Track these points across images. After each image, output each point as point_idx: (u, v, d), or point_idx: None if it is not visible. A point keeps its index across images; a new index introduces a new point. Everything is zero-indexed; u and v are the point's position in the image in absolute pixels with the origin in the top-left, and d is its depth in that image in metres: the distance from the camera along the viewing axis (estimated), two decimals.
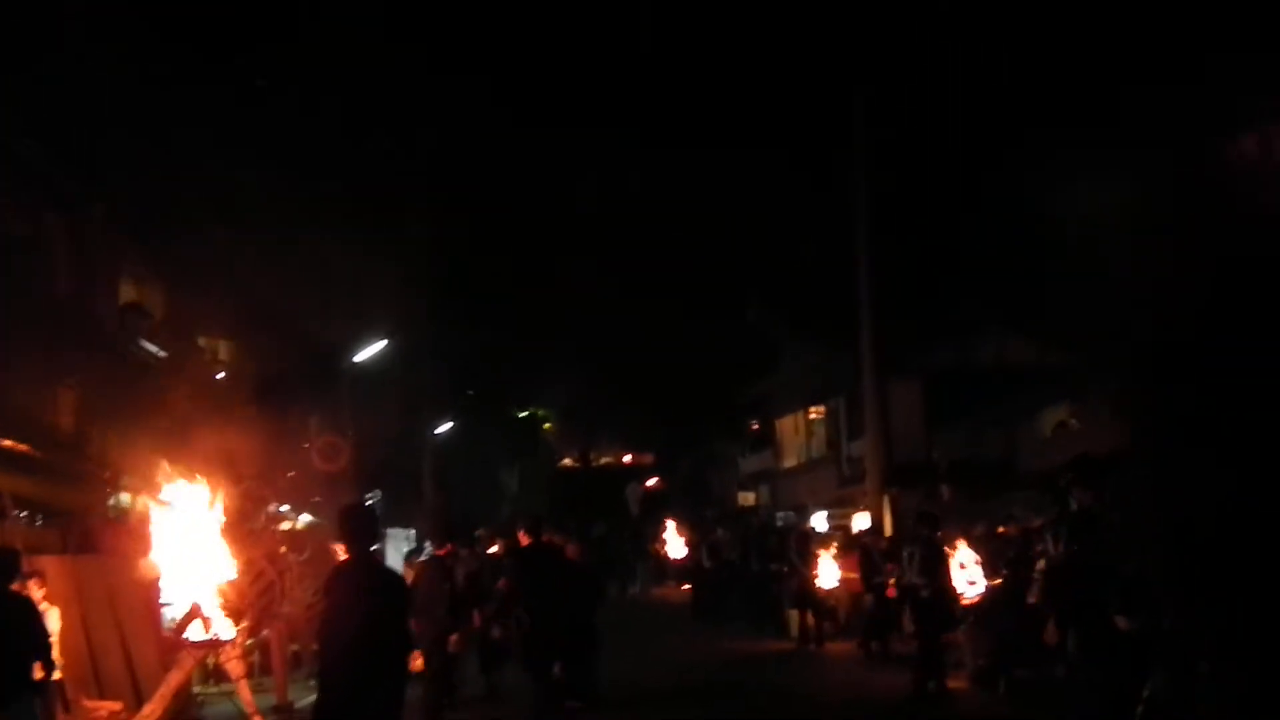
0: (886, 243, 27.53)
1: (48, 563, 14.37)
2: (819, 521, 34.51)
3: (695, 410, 60.32)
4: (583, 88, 59.35)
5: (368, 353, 33.08)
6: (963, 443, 30.11)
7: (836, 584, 22.90)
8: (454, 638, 15.20)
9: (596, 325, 60.44)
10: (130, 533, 17.38)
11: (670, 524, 42.18)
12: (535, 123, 61.91)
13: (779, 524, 36.64)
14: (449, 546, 16.24)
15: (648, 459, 79.41)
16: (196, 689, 14.92)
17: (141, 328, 21.91)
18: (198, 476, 13.82)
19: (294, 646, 18.59)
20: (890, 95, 26.36)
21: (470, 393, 59.29)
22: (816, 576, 22.50)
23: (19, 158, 17.69)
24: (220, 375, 25.49)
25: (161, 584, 14.64)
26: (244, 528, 15.28)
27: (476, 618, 16.73)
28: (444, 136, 49.08)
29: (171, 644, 14.17)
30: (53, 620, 12.45)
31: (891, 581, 18.98)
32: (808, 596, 22.29)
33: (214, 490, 13.98)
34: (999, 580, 16.35)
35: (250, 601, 14.37)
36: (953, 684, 15.55)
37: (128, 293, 22.30)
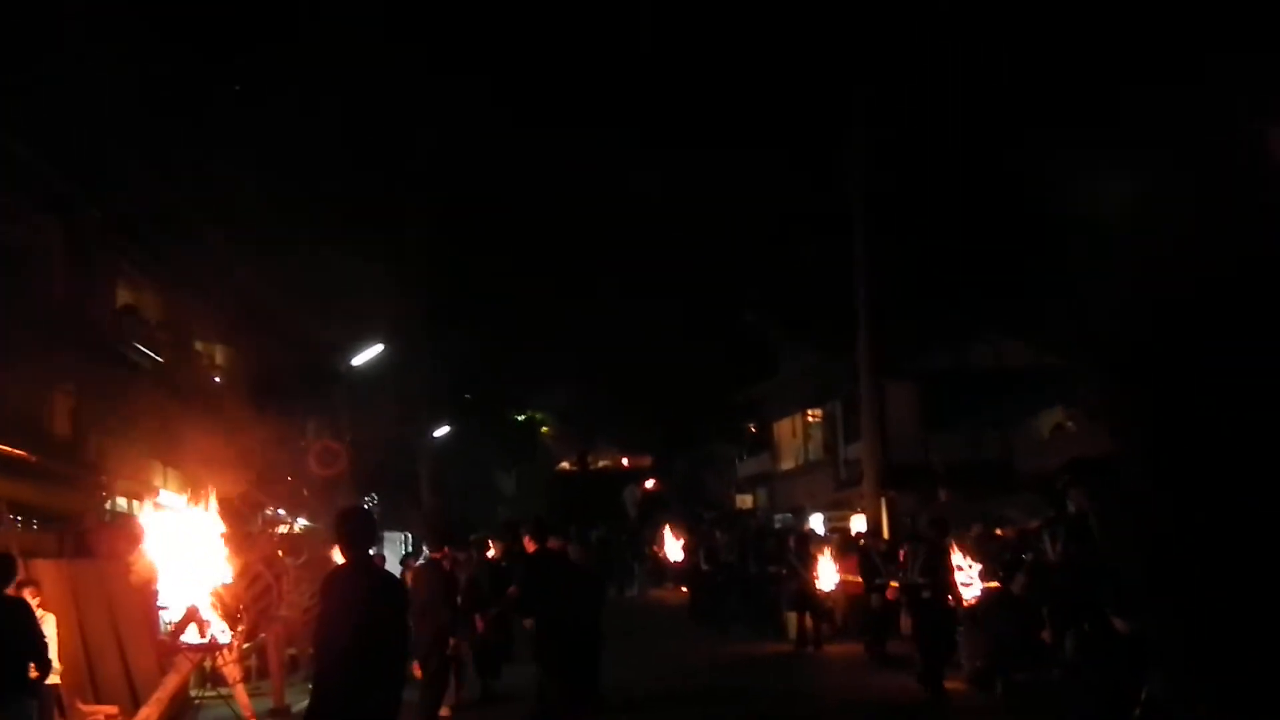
0: (884, 245, 27.55)
1: (44, 567, 14.36)
2: (816, 524, 34.55)
3: (693, 413, 60.39)
4: (578, 88, 59.32)
5: (364, 357, 33.07)
6: (960, 445, 30.17)
7: (835, 586, 22.94)
8: (453, 641, 15.21)
9: (594, 328, 60.46)
10: (126, 537, 17.36)
11: (667, 527, 42.20)
12: (532, 123, 61.87)
13: (777, 526, 36.68)
14: (445, 550, 16.24)
15: (645, 462, 79.50)
16: (193, 693, 14.90)
17: (138, 332, 21.88)
18: (194, 480, 13.81)
19: (291, 650, 18.57)
20: (888, 97, 26.37)
21: (467, 396, 59.25)
22: (816, 578, 22.52)
23: (15, 161, 17.66)
24: (217, 380, 25.47)
25: (158, 588, 14.62)
26: (240, 531, 15.24)
27: (479, 622, 16.74)
28: (441, 140, 49.05)
29: (168, 648, 14.15)
30: (49, 627, 12.44)
31: (893, 584, 19.00)
32: (807, 598, 22.29)
33: (210, 494, 13.97)
34: (995, 583, 16.35)
35: (247, 605, 14.32)
36: (950, 685, 15.55)
37: (124, 297, 22.26)
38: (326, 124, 32.42)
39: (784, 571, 23.72)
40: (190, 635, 13.59)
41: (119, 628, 14.96)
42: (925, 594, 15.89)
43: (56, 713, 12.77)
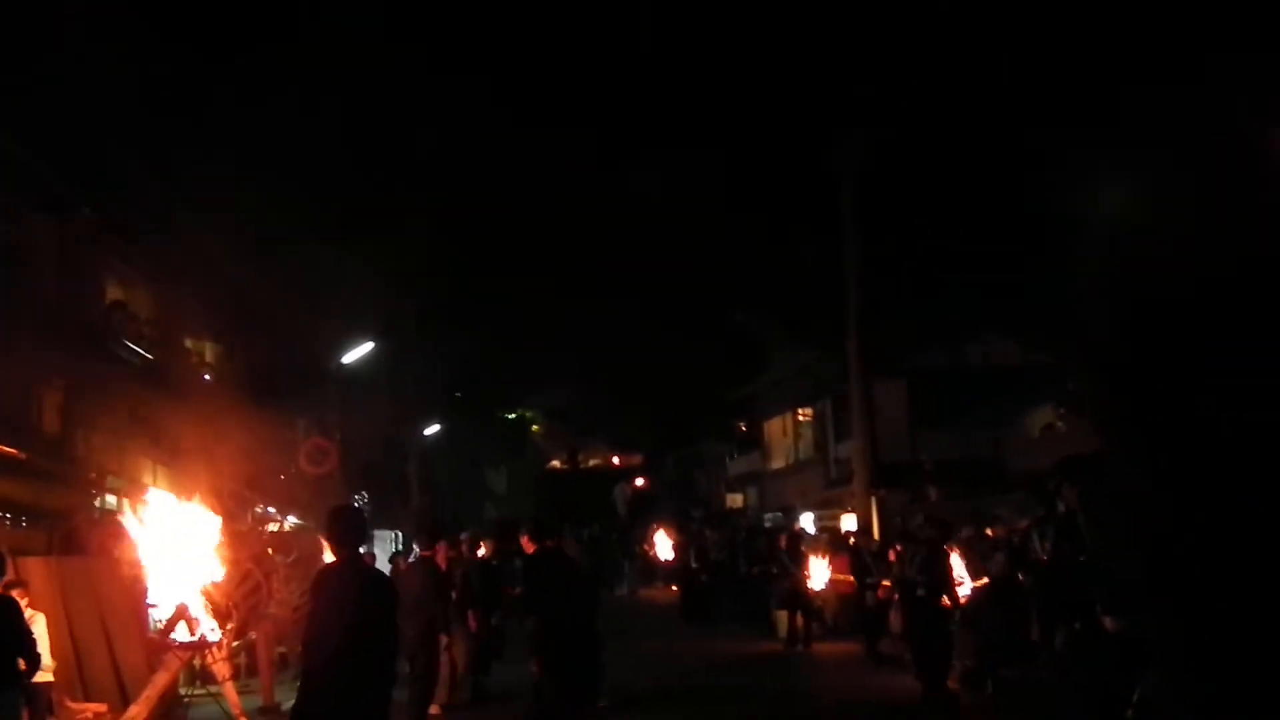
0: (874, 244, 27.57)
1: (33, 565, 14.32)
2: (806, 522, 34.58)
3: (683, 412, 60.41)
4: (573, 87, 59.31)
5: (355, 355, 33.02)
6: (950, 444, 30.20)
7: (825, 585, 22.96)
8: (447, 639, 15.19)
9: (585, 327, 60.47)
10: (116, 534, 17.33)
11: (658, 526, 42.24)
12: (526, 122, 61.81)
13: (767, 525, 36.70)
14: (442, 547, 16.24)
15: (636, 460, 79.51)
16: (182, 690, 14.85)
17: (127, 329, 21.83)
18: (184, 478, 13.79)
19: (280, 648, 18.54)
20: (881, 96, 26.37)
21: (458, 395, 59.19)
22: (808, 577, 22.52)
23: (6, 158, 17.62)
24: (206, 377, 25.43)
25: (147, 585, 14.59)
26: (230, 529, 15.22)
27: (472, 620, 16.72)
28: (435, 138, 49.03)
29: (157, 645, 14.13)
30: (39, 626, 12.41)
31: (886, 583, 19.00)
32: (798, 597, 22.28)
33: (200, 491, 13.95)
34: (985, 581, 16.37)
35: (237, 603, 14.31)
36: None
37: (114, 294, 22.23)
38: (321, 122, 32.40)
39: (774, 570, 23.71)
40: (180, 633, 13.57)
41: (108, 625, 14.92)
42: (920, 591, 15.87)
43: (45, 710, 12.73)
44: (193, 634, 13.58)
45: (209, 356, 26.69)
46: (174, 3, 24.49)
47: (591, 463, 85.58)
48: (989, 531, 18.78)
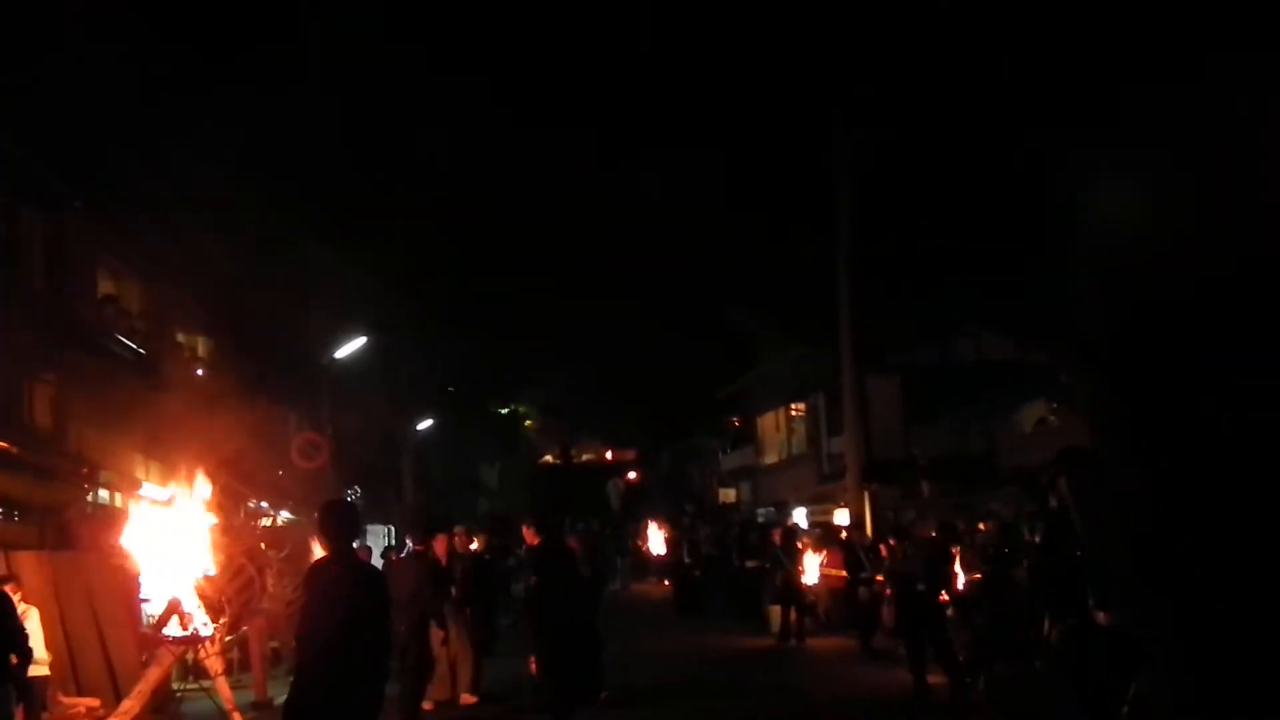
0: (867, 240, 27.57)
1: (25, 559, 14.31)
2: (799, 518, 34.61)
3: (676, 407, 60.44)
4: (569, 86, 59.21)
5: (348, 349, 32.97)
6: (943, 439, 30.22)
7: (817, 580, 22.98)
8: (443, 634, 15.18)
9: (578, 322, 60.48)
10: (108, 529, 17.31)
11: (650, 521, 42.30)
12: (521, 120, 61.77)
13: (760, 520, 36.74)
14: (442, 540, 16.29)
15: (629, 455, 79.59)
16: (175, 685, 14.86)
17: (119, 323, 21.80)
18: (176, 472, 13.77)
19: (273, 643, 18.54)
20: (874, 94, 26.35)
21: (451, 389, 59.14)
22: (803, 572, 22.54)
23: None
24: (199, 371, 25.38)
25: (140, 580, 14.59)
26: (223, 524, 15.20)
27: (466, 614, 16.72)
28: (432, 136, 48.96)
29: (150, 640, 14.12)
30: (32, 621, 12.41)
31: (879, 578, 19.01)
32: (792, 592, 22.28)
33: (192, 486, 13.94)
34: (978, 576, 16.37)
35: (229, 598, 14.29)
36: (932, 680, 15.54)
37: (105, 289, 22.20)
38: (316, 119, 32.33)
39: (767, 565, 23.73)
40: (172, 628, 13.56)
41: (100, 620, 14.92)
42: (920, 586, 15.80)
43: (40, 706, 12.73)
44: (185, 628, 13.57)
45: (201, 351, 26.65)
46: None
47: (584, 458, 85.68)
48: (981, 526, 18.82)
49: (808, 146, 29.58)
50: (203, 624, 13.68)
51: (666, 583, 35.60)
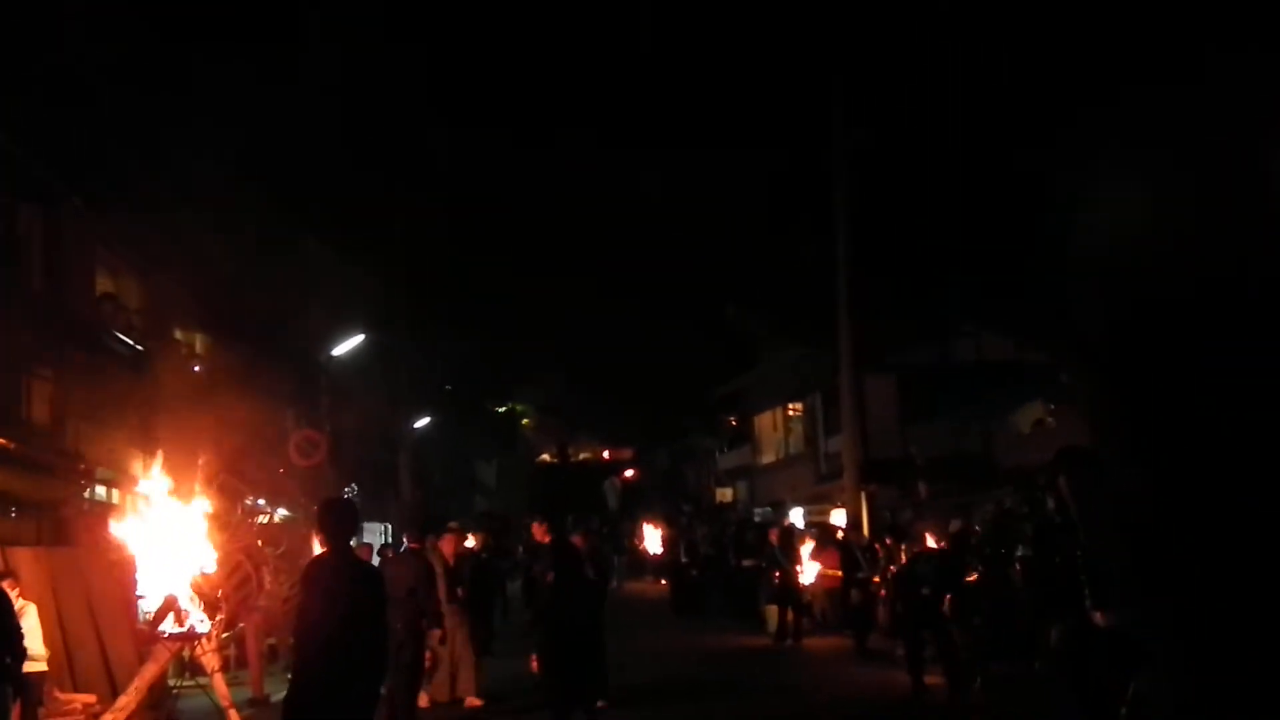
0: (865, 240, 27.58)
1: (22, 555, 14.31)
2: (796, 517, 34.62)
3: (674, 406, 60.46)
4: (568, 86, 59.27)
5: (346, 347, 32.99)
6: (940, 439, 30.19)
7: (814, 580, 22.99)
8: (439, 632, 15.16)
9: (577, 321, 60.52)
10: (106, 525, 17.30)
11: (647, 521, 42.35)
12: (517, 121, 61.79)
13: (757, 520, 36.74)
14: (449, 538, 16.32)
15: (626, 454, 79.62)
16: (171, 682, 14.83)
17: (117, 319, 21.80)
18: (174, 469, 13.77)
19: (270, 640, 18.55)
20: (873, 92, 26.38)
21: (449, 388, 59.17)
22: (799, 572, 22.55)
23: None
24: (196, 368, 25.37)
25: (137, 577, 14.58)
26: (220, 521, 15.19)
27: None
28: (427, 134, 49.00)
29: (146, 637, 14.11)
30: (30, 617, 12.40)
31: (876, 579, 19.00)
32: (789, 592, 22.28)
33: (190, 483, 13.93)
34: (974, 576, 16.35)
35: (226, 595, 14.28)
36: (929, 680, 15.55)
37: (103, 286, 22.19)
38: (316, 116, 32.35)
39: (763, 565, 23.74)
40: (169, 624, 13.55)
41: (97, 616, 14.92)
42: (925, 590, 15.73)
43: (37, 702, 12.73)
44: (182, 625, 13.56)
45: (199, 348, 26.64)
46: None
47: (582, 456, 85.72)
48: (977, 528, 18.83)
49: (807, 146, 29.59)
50: (199, 621, 13.67)
51: (663, 582, 35.64)
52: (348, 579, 7.99)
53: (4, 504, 16.84)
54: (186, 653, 14.50)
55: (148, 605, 14.74)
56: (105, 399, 19.56)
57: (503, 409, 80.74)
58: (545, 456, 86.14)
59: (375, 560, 18.23)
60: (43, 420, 18.88)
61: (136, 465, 20.65)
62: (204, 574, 13.95)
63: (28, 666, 11.51)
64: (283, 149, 28.26)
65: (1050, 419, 27.47)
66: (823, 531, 26.31)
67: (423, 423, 48.71)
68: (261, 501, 26.05)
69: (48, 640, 13.41)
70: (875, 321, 28.21)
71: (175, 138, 22.72)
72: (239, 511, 22.03)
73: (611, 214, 50.02)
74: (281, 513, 27.42)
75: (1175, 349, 4.37)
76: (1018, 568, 16.11)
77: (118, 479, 19.93)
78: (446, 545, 16.37)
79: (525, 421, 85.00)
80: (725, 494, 52.25)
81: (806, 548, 23.39)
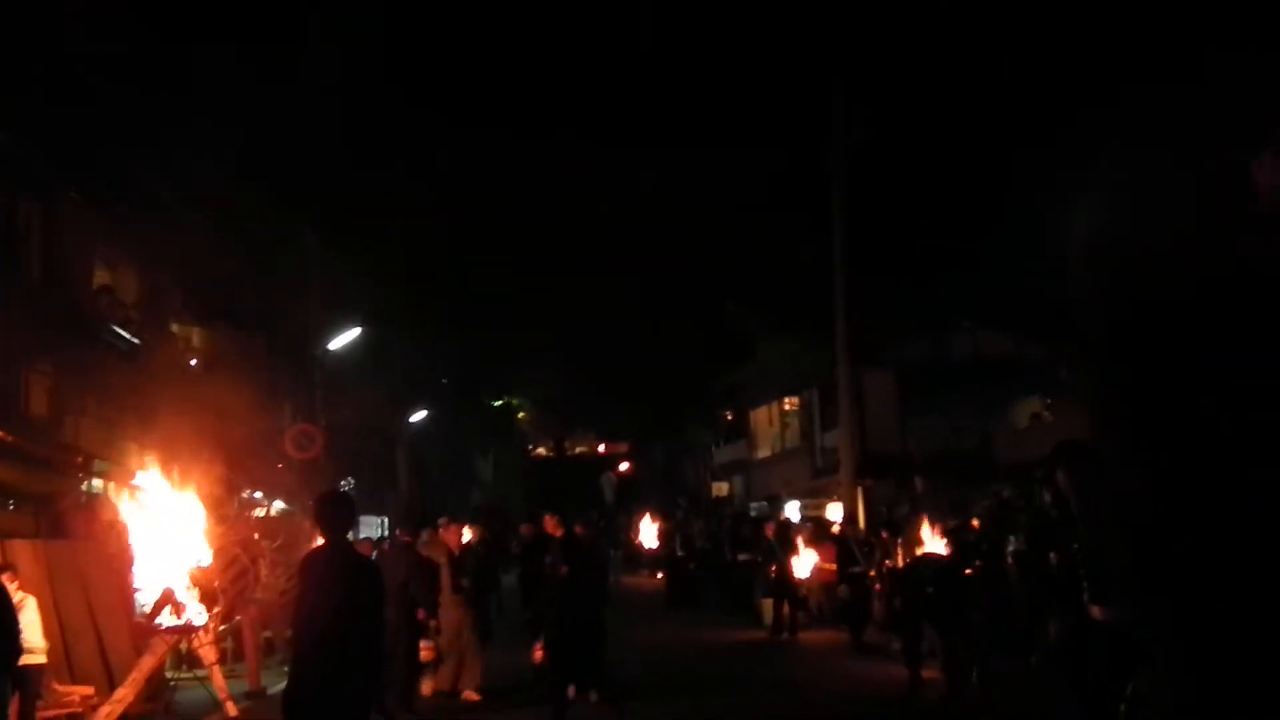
0: (863, 234, 27.61)
1: (20, 547, 14.31)
2: (792, 511, 34.61)
3: (670, 400, 60.42)
4: (569, 84, 59.28)
5: (342, 340, 32.99)
6: (937, 434, 30.20)
7: (809, 574, 22.99)
8: (435, 623, 15.16)
9: (573, 315, 60.49)
10: (103, 518, 17.33)
11: (644, 515, 42.32)
12: (517, 118, 61.81)
13: (753, 514, 36.74)
14: (454, 530, 16.34)
15: (622, 448, 79.56)
16: (169, 674, 14.87)
17: (115, 314, 21.81)
18: (171, 462, 13.78)
19: (266, 633, 18.55)
20: (871, 91, 26.38)
21: (444, 380, 59.15)
22: (796, 566, 22.55)
23: None
24: (193, 362, 25.40)
25: (134, 569, 14.59)
26: (217, 514, 15.22)
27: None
28: (428, 130, 49.02)
29: (144, 629, 14.13)
30: (29, 610, 12.41)
31: (872, 573, 18.99)
32: (785, 586, 22.28)
33: (187, 476, 13.95)
34: (969, 571, 16.37)
35: (223, 587, 14.31)
36: (926, 675, 15.57)
37: (101, 279, 22.20)
38: (315, 112, 32.34)
39: (759, 559, 23.75)
40: (166, 617, 13.57)
41: (95, 609, 14.92)
42: (929, 590, 15.71)
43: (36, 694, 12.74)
44: (179, 618, 13.58)
45: (195, 341, 26.65)
46: None
47: (578, 450, 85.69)
48: (974, 523, 18.83)
49: (805, 141, 29.60)
50: (197, 613, 13.69)
51: (659, 575, 35.64)
52: (345, 571, 8.01)
53: (2, 497, 16.85)
54: (184, 645, 14.56)
55: (145, 598, 14.77)
56: (103, 392, 19.58)
57: (499, 403, 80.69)
58: (541, 450, 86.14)
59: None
60: (40, 413, 18.91)
61: (134, 458, 20.70)
62: (201, 567, 13.97)
63: (26, 659, 11.52)
64: (280, 144, 28.25)
65: (1047, 414, 27.50)
66: (818, 526, 26.33)
67: (419, 416, 48.70)
68: (258, 494, 26.07)
69: (46, 633, 13.42)
70: (873, 317, 28.22)
71: (174, 133, 22.73)
72: (236, 504, 22.08)
73: (609, 208, 50.01)
74: (278, 506, 27.43)
75: (1175, 349, 4.38)
76: (1010, 561, 16.16)
77: (115, 472, 19.95)
78: (451, 536, 16.38)
79: (521, 415, 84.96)
80: (721, 488, 52.22)
81: (802, 542, 23.37)
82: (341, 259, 36.13)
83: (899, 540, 17.91)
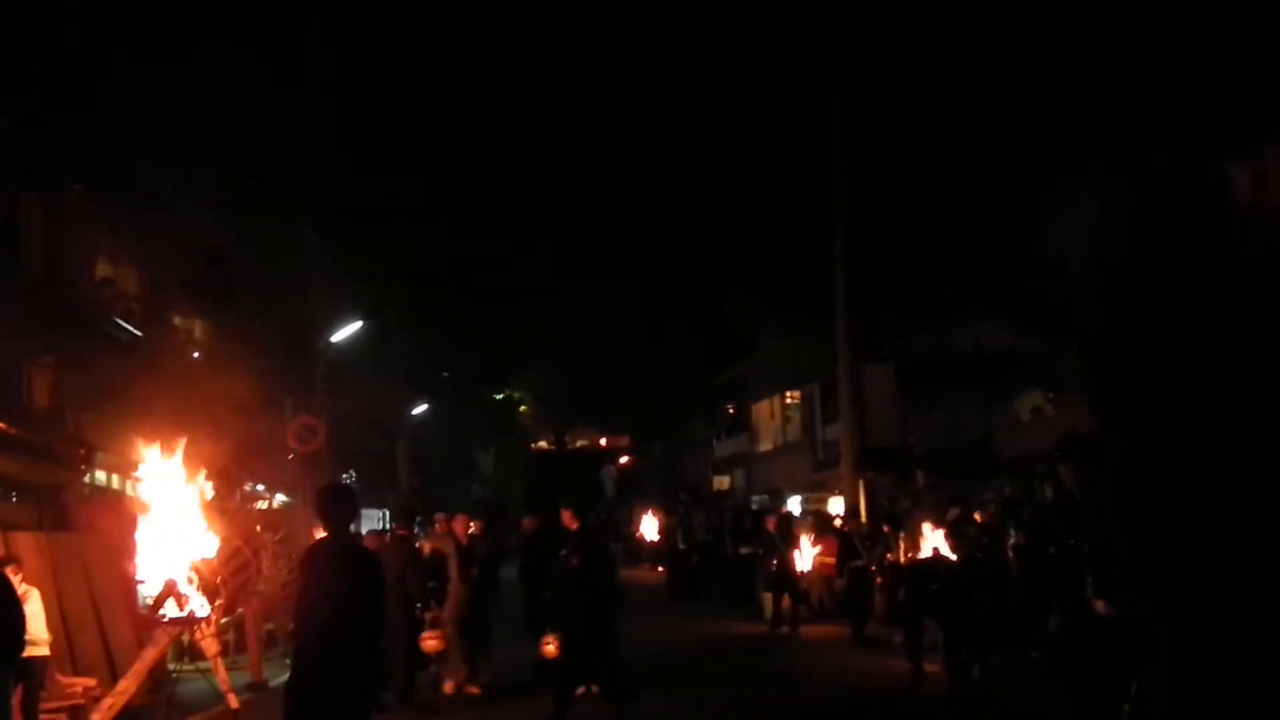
0: (864, 228, 27.61)
1: (23, 540, 14.33)
2: (793, 505, 34.65)
3: (671, 394, 60.52)
4: (569, 80, 59.30)
5: (344, 334, 33.02)
6: (938, 428, 30.21)
7: (811, 567, 23.01)
8: (432, 616, 15.18)
9: (574, 309, 60.60)
10: (106, 511, 17.35)
11: (645, 509, 42.41)
12: (516, 116, 61.82)
13: (754, 508, 36.79)
14: (461, 521, 16.38)
15: (623, 441, 79.59)
16: (171, 666, 14.88)
17: (117, 306, 21.82)
18: (173, 455, 13.78)
19: (269, 625, 18.59)
20: (872, 85, 26.38)
21: (446, 374, 59.20)
22: (797, 560, 22.56)
23: None
24: (195, 354, 25.40)
25: (137, 562, 14.60)
26: (219, 507, 15.22)
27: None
28: (430, 127, 49.04)
29: (146, 621, 14.14)
30: (33, 603, 12.43)
31: (874, 566, 18.99)
32: (786, 580, 22.29)
33: (189, 469, 13.95)
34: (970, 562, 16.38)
35: (225, 580, 14.31)
36: (928, 668, 15.58)
37: (103, 272, 22.20)
38: (317, 105, 32.35)
39: (760, 552, 23.76)
40: (169, 609, 13.58)
41: (97, 601, 14.95)
42: (935, 587, 15.70)
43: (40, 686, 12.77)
44: (181, 610, 13.59)
45: (198, 334, 26.66)
46: None
47: (579, 443, 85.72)
48: (976, 517, 18.85)
49: (806, 134, 29.61)
50: (199, 605, 13.70)
51: (660, 569, 35.69)
52: (346, 564, 8.04)
53: (5, 489, 16.86)
54: (186, 637, 14.54)
55: (148, 590, 14.79)
56: (105, 385, 19.57)
57: (500, 396, 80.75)
58: (542, 444, 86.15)
59: None
60: (43, 405, 18.91)
61: (136, 451, 20.70)
62: (203, 559, 13.98)
63: (30, 651, 11.55)
64: (282, 138, 28.26)
65: (1049, 407, 27.49)
66: (820, 519, 26.35)
67: (420, 410, 48.73)
68: (260, 487, 26.08)
69: (49, 625, 13.45)
70: (874, 310, 28.22)
71: (175, 126, 22.71)
72: (238, 497, 22.10)
73: (611, 203, 50.07)
74: (280, 498, 27.45)
75: (1175, 349, 4.39)
76: (1011, 555, 16.17)
77: (118, 464, 19.96)
78: (459, 526, 16.39)
79: (523, 409, 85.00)
80: (722, 481, 52.27)
81: (804, 536, 23.39)
82: (343, 254, 36.18)
83: (900, 534, 17.94)
